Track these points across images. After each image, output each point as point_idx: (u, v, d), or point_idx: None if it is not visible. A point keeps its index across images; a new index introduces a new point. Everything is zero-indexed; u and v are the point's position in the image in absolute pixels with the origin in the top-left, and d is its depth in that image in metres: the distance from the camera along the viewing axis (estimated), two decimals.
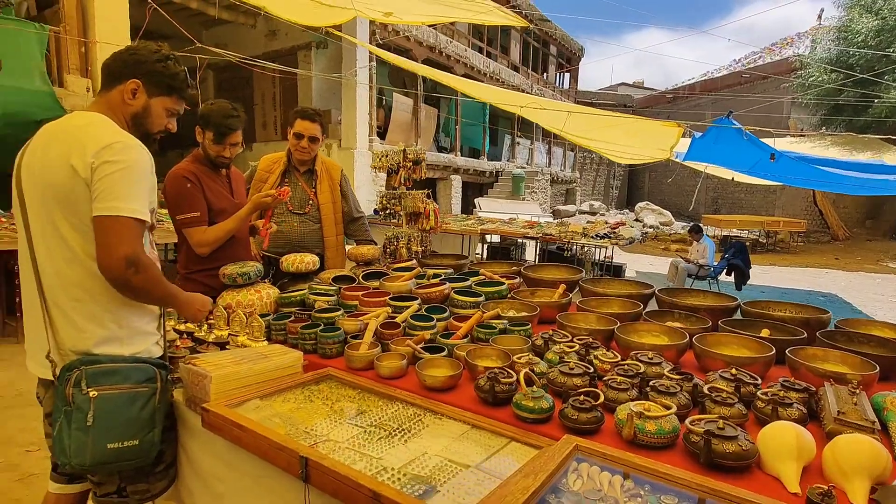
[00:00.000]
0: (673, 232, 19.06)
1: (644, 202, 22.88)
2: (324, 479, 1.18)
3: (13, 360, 4.36)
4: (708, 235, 9.55)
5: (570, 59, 25.74)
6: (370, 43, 12.98)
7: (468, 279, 2.52)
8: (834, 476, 1.11)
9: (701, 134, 6.24)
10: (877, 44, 15.07)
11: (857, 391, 1.34)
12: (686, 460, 1.24)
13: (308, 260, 2.58)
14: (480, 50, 18.30)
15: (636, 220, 20.49)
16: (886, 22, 15.01)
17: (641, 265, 12.63)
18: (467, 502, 1.09)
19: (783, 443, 1.15)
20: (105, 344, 1.50)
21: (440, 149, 17.44)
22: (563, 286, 2.45)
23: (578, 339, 1.84)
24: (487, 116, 18.04)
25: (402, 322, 2.04)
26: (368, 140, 13.25)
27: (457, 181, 16.95)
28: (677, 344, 1.79)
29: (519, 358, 1.67)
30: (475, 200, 17.29)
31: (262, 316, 2.11)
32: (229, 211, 2.48)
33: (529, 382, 1.46)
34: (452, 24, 16.76)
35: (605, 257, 10.02)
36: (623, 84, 41.15)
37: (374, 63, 13.36)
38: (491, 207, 16.44)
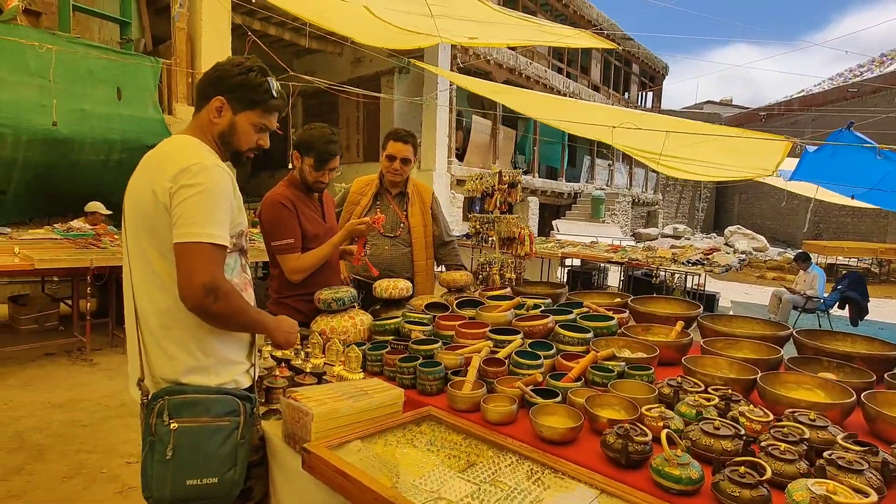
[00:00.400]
0: (769, 259, 17.65)
1: (735, 226, 21.43)
2: None
3: (120, 370, 4.61)
4: (812, 264, 8.68)
5: (653, 78, 24.89)
6: (451, 66, 13.16)
7: (572, 311, 2.32)
8: None
9: (815, 148, 5.66)
10: None
11: None
12: None
13: (402, 286, 2.48)
14: (560, 70, 18.08)
15: (726, 244, 19.20)
16: None
17: (735, 294, 11.72)
18: None
19: None
20: (193, 373, 1.44)
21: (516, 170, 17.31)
22: (680, 323, 2.19)
23: (714, 390, 1.59)
24: (566, 135, 17.70)
25: (506, 358, 1.88)
26: (447, 162, 13.36)
27: (534, 203, 16.67)
28: (843, 403, 1.49)
29: (648, 409, 1.46)
30: (553, 222, 16.92)
31: (358, 345, 2.03)
32: (322, 236, 2.45)
33: (671, 443, 1.24)
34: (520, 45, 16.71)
35: (695, 285, 9.36)
36: (709, 102, 39.30)
37: (454, 86, 13.50)
38: (569, 230, 16.01)
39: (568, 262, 10.84)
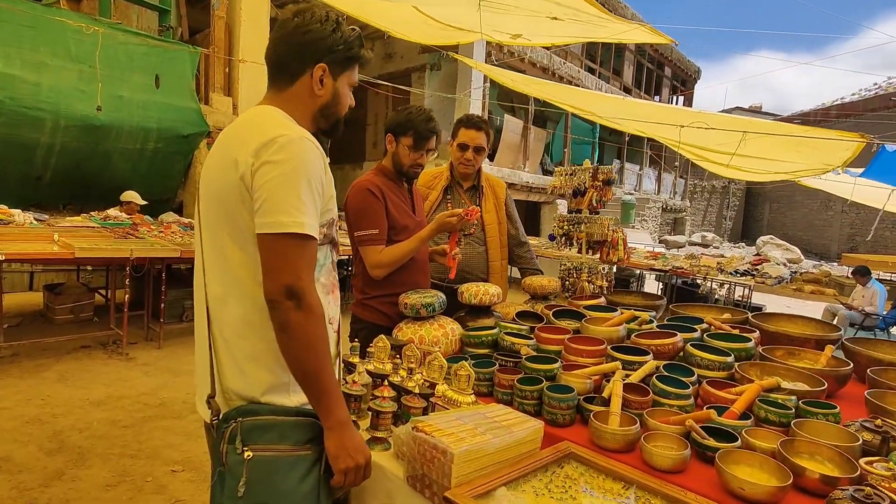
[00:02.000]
0: (805, 271, 17.04)
1: (767, 236, 20.79)
2: None
3: (156, 366, 4.40)
4: (872, 279, 8.21)
5: (684, 82, 24.36)
6: (486, 63, 12.87)
7: (695, 328, 2.01)
8: None
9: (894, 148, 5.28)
10: None
11: None
12: None
13: (493, 292, 2.20)
14: (592, 71, 17.69)
15: (757, 255, 18.61)
16: None
17: (777, 308, 11.21)
18: None
19: None
20: (272, 392, 1.19)
21: (545, 172, 16.93)
22: (830, 347, 1.88)
23: None
24: (598, 135, 17.33)
25: (643, 383, 1.58)
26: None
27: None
28: None
29: (871, 464, 1.16)
30: None
31: (452, 360, 1.75)
32: (411, 229, 2.19)
33: None
34: (564, 46, 16.34)
35: (740, 297, 8.95)
36: (738, 108, 38.52)
37: (487, 84, 13.22)
38: None
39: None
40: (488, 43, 12.62)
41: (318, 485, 1.17)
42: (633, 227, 17.85)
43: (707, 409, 1.44)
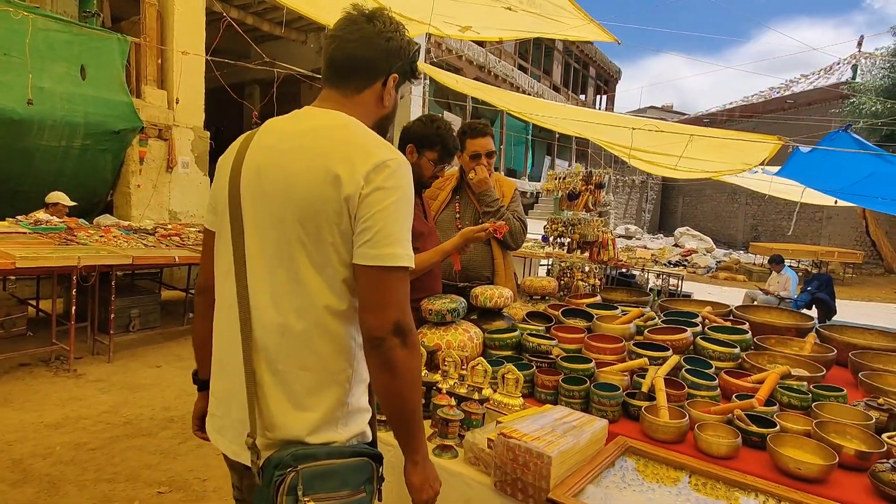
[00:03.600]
0: (719, 260, 18.54)
1: (684, 227, 22.38)
2: None
3: (111, 381, 4.10)
4: (785, 266, 9.09)
5: (607, 82, 25.62)
6: (425, 60, 12.90)
7: (695, 322, 2.19)
8: None
9: (808, 149, 5.89)
10: None
11: None
12: None
13: (506, 294, 2.26)
14: (524, 70, 18.20)
15: (675, 245, 19.98)
16: None
17: (700, 295, 12.15)
18: None
19: None
20: (322, 429, 1.07)
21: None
22: (812, 335, 2.11)
23: None
24: (531, 135, 17.85)
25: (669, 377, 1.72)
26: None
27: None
28: None
29: (890, 438, 1.34)
30: None
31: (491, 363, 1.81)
32: (426, 235, 2.21)
33: None
34: (499, 43, 16.67)
35: (671, 286, 9.61)
36: (652, 107, 40.90)
37: (427, 80, 13.25)
38: (534, 229, 16.13)
39: (544, 261, 10.87)
40: (428, 40, 12.66)
41: None
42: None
43: (735, 398, 1.60)
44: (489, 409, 1.60)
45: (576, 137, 21.07)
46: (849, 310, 10.78)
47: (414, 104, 12.75)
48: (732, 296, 10.82)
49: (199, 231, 6.31)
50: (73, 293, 4.14)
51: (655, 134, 5.57)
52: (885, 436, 1.36)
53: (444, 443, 1.46)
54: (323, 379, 1.08)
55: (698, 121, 28.67)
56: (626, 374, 1.76)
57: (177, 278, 7.10)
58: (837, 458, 1.28)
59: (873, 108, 16.27)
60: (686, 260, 8.73)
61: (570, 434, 1.32)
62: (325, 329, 1.07)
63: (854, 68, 21.64)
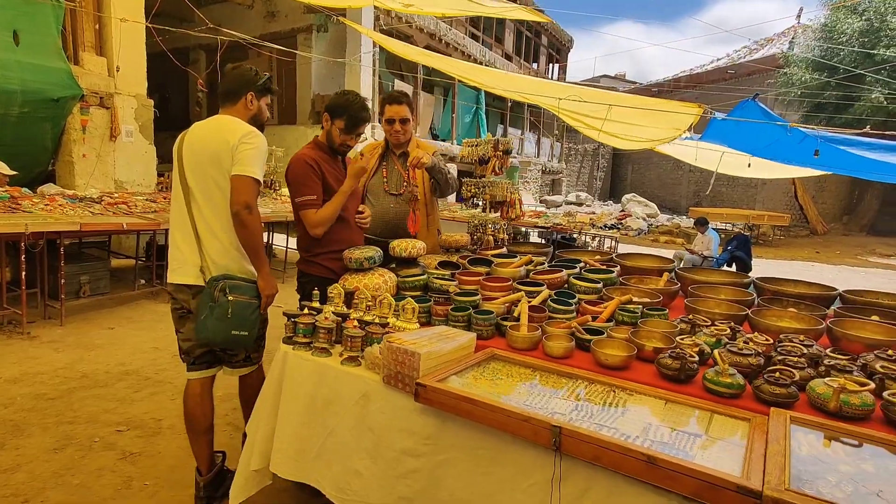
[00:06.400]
0: (660, 224, 19.53)
1: (630, 194, 23.28)
2: (581, 447, 1.29)
3: (65, 342, 4.31)
4: (709, 228, 9.85)
5: (559, 50, 25.91)
6: (374, 27, 12.88)
7: (575, 266, 2.64)
8: None
9: (724, 115, 6.46)
10: (861, 44, 15.63)
11: None
12: (884, 428, 1.38)
13: (419, 246, 2.64)
14: (476, 38, 18.29)
15: (622, 211, 20.88)
16: (871, 23, 15.56)
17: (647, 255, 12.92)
18: (727, 463, 1.21)
19: None
20: (237, 265, 2.24)
21: (434, 137, 17.44)
22: (667, 274, 2.59)
23: (720, 323, 1.98)
24: (483, 102, 18.08)
25: (541, 305, 2.15)
26: (371, 126, 13.19)
27: (454, 170, 16.96)
28: (815, 328, 1.95)
29: (683, 339, 1.81)
30: None
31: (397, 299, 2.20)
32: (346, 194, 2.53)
33: (721, 361, 1.59)
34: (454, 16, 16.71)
35: (608, 248, 10.26)
36: (605, 76, 41.50)
37: (377, 49, 13.26)
38: None
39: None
40: (376, 7, 12.62)
41: (257, 316, 2.21)
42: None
43: (591, 319, 2.05)
44: (389, 331, 2.00)
45: (529, 106, 21.47)
46: (767, 267, 11.78)
47: (364, 73, 12.79)
48: (665, 255, 11.62)
49: (146, 199, 6.42)
50: (23, 259, 4.28)
51: (596, 103, 5.98)
52: (678, 338, 1.82)
53: (349, 354, 1.85)
54: (234, 238, 2.20)
55: (647, 90, 29.46)
56: (505, 304, 2.18)
57: (126, 247, 7.19)
58: (636, 352, 1.74)
59: (803, 79, 17.22)
60: (621, 223, 9.32)
61: (442, 342, 1.73)
62: (227, 214, 2.16)
63: (791, 40, 22.71)
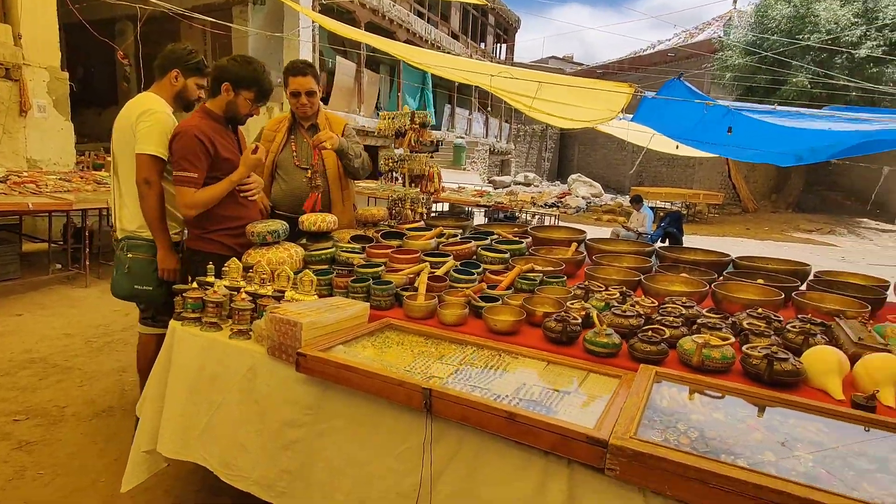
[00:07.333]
0: (604, 203, 20.07)
1: (576, 174, 23.77)
2: (450, 408, 1.30)
3: None
4: (644, 205, 10.18)
5: (507, 30, 25.90)
6: (313, 3, 12.46)
7: (487, 238, 2.65)
8: (866, 386, 1.38)
9: (653, 94, 6.65)
10: (788, 31, 16.38)
11: (868, 323, 1.63)
12: (741, 380, 1.46)
13: (329, 220, 2.59)
14: (421, 16, 18.01)
15: (564, 191, 21.31)
16: (798, 10, 16.31)
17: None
18: (587, 417, 1.25)
19: (828, 361, 1.40)
20: (141, 229, 2.40)
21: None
22: (574, 244, 2.65)
23: (613, 288, 2.04)
24: (430, 83, 17.89)
25: (444, 276, 2.15)
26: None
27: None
28: (700, 291, 2.03)
29: (572, 304, 1.85)
30: None
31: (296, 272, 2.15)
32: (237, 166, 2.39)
33: (599, 322, 1.64)
34: None
35: (549, 225, 10.46)
36: (553, 58, 41.88)
37: (317, 24, 12.84)
38: None
39: (435, 207, 11.33)
40: None
41: (157, 273, 2.39)
42: (464, 169, 19.10)
43: (486, 287, 2.06)
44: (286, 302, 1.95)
45: (476, 87, 21.42)
46: (699, 243, 12.26)
47: (304, 48, 12.37)
48: (604, 233, 11.95)
49: (59, 178, 6.03)
50: None
51: (526, 80, 6.01)
52: (569, 303, 1.86)
53: (238, 328, 1.79)
54: (137, 206, 2.37)
55: (592, 72, 29.99)
56: (409, 276, 2.17)
57: (41, 230, 6.75)
58: (525, 317, 1.76)
59: (737, 62, 17.92)
60: (561, 201, 9.50)
61: (331, 312, 1.70)
62: (134, 184, 2.33)
63: (726, 24, 23.51)
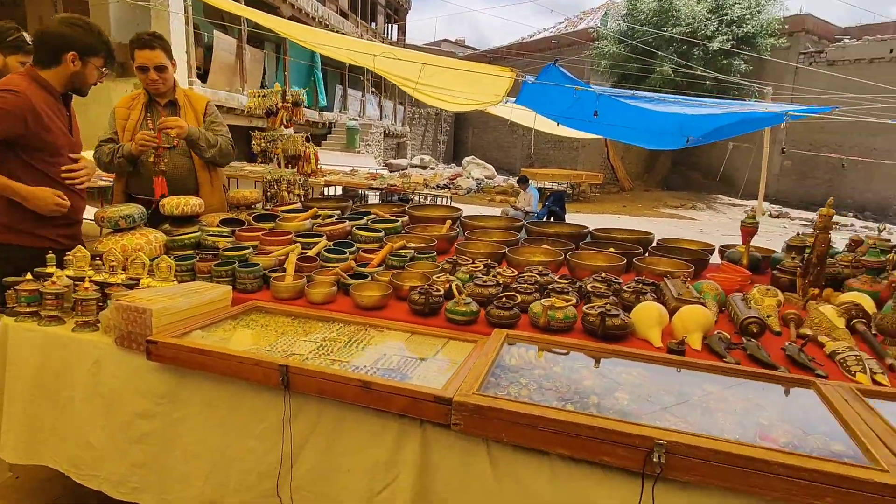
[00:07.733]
0: (497, 185, 20.77)
1: (470, 157, 24.31)
2: (307, 383, 1.31)
3: None
4: (530, 185, 10.70)
5: (397, 10, 25.66)
6: None
7: (363, 218, 2.66)
8: (680, 334, 1.59)
9: (532, 79, 6.98)
10: (655, 22, 17.84)
11: (687, 281, 1.87)
12: (582, 336, 1.62)
13: (194, 202, 2.45)
14: None
15: (455, 173, 21.77)
16: (662, 4, 17.79)
17: (473, 212, 13.64)
18: (440, 380, 1.33)
19: (650, 315, 1.59)
20: None
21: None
22: (449, 221, 2.74)
23: (479, 261, 2.15)
24: (319, 62, 17.29)
25: (316, 256, 2.14)
26: (188, 82, 11.89)
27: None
28: (556, 260, 2.21)
29: (437, 277, 1.92)
30: None
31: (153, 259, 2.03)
32: (65, 150, 2.14)
33: (459, 292, 1.72)
34: None
35: (427, 204, 10.66)
36: (446, 41, 42.21)
37: None
38: (326, 160, 15.95)
39: (329, 190, 11.07)
40: None
41: None
42: (358, 152, 18.78)
43: (357, 265, 2.08)
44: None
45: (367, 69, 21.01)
46: (581, 220, 13.17)
47: (174, 20, 11.38)
48: (496, 212, 12.44)
49: None
50: None
51: (409, 61, 6.00)
52: (435, 276, 1.94)
53: (83, 320, 1.66)
54: None
55: (483, 56, 30.64)
56: (279, 258, 2.13)
57: None
58: (391, 291, 1.81)
59: (612, 51, 19.22)
60: (453, 183, 9.70)
61: (187, 297, 1.64)
62: None
63: (604, 15, 25.06)
